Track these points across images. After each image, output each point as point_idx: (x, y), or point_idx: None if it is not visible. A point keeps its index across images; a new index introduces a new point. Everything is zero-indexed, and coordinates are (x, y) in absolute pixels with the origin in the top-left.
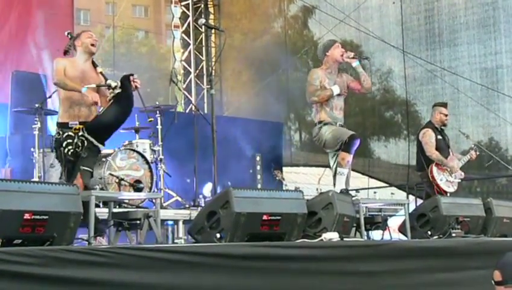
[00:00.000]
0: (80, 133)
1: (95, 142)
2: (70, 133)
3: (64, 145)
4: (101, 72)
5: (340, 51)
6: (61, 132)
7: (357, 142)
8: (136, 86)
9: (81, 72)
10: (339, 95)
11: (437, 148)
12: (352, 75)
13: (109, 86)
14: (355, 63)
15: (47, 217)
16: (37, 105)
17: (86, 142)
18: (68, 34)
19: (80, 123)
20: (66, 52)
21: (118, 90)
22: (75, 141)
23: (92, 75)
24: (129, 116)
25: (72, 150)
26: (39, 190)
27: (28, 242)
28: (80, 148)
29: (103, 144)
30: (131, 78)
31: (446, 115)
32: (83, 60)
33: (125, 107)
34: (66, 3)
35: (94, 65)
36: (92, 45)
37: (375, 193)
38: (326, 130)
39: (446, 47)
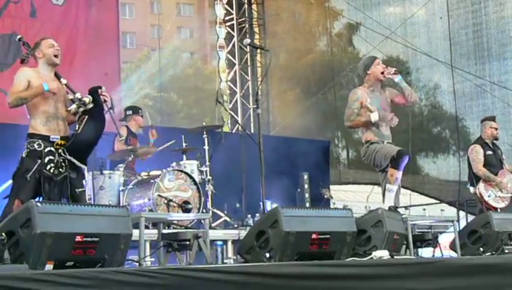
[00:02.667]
0: (60, 151)
1: (78, 164)
2: (52, 149)
3: (46, 161)
4: (66, 84)
5: (381, 67)
6: (42, 144)
7: (406, 159)
8: (104, 100)
9: (49, 83)
10: (383, 111)
11: (486, 164)
12: (396, 89)
13: (84, 104)
14: (397, 78)
15: (98, 239)
16: None
17: (66, 161)
18: (19, 39)
19: (61, 138)
20: (22, 61)
21: (90, 106)
22: (57, 158)
23: (57, 88)
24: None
25: (53, 169)
26: (90, 213)
27: (80, 264)
28: (64, 168)
29: (85, 164)
30: (99, 91)
31: (496, 129)
32: (47, 72)
33: (102, 122)
34: (112, 27)
35: (57, 76)
36: (55, 56)
37: (424, 209)
38: (374, 148)
39: (495, 61)
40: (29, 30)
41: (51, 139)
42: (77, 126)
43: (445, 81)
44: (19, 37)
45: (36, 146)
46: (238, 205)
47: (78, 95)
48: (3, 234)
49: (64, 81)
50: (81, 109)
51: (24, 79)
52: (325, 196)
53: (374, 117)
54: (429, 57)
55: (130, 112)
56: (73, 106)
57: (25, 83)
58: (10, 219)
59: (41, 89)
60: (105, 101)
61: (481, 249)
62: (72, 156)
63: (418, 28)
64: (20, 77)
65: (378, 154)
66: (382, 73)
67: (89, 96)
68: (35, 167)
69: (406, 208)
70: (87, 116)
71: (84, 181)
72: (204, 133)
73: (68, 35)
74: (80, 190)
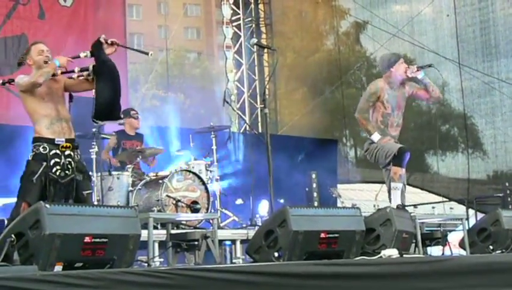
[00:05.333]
0: (67, 153)
1: (80, 167)
2: (57, 152)
3: (52, 163)
4: (62, 72)
5: (404, 67)
6: (47, 147)
7: (407, 156)
8: (112, 42)
9: (46, 87)
10: (397, 110)
11: None
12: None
13: (86, 70)
14: (420, 75)
15: (107, 240)
16: (94, 129)
17: (73, 163)
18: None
19: (66, 141)
20: (19, 64)
21: (90, 68)
22: (63, 161)
23: (56, 85)
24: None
25: (59, 171)
26: (98, 213)
27: (89, 265)
28: (70, 170)
29: (119, 117)
30: (101, 40)
31: None
32: None
33: (112, 74)
34: (119, 28)
35: (53, 76)
36: (45, 62)
37: (433, 207)
38: (376, 146)
39: (503, 58)
40: (38, 32)
41: (56, 142)
42: (93, 92)
43: (453, 78)
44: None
45: (41, 149)
46: (242, 201)
47: (76, 69)
48: (13, 235)
49: (59, 72)
50: (86, 73)
51: (28, 77)
52: (334, 195)
53: (375, 138)
54: (436, 55)
55: (122, 116)
56: (75, 75)
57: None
58: (19, 221)
59: (54, 65)
60: (113, 43)
61: (491, 247)
62: (104, 119)
63: (425, 25)
64: (23, 77)
65: (380, 152)
66: (405, 72)
67: (87, 52)
68: (41, 169)
69: (415, 206)
70: (96, 77)
71: (91, 183)
72: (212, 133)
73: (76, 36)
74: (87, 192)
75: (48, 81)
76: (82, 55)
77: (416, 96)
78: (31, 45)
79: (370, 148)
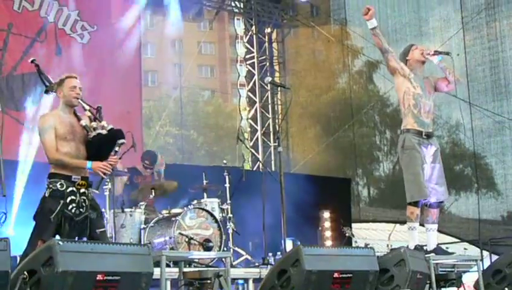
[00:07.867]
0: (82, 190)
1: (94, 204)
2: (73, 189)
3: (68, 201)
4: (84, 127)
5: (419, 50)
6: (64, 184)
7: (424, 199)
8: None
9: (70, 126)
10: (428, 92)
11: None
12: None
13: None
14: (436, 59)
15: (119, 277)
16: None
17: (87, 201)
18: (32, 61)
19: (82, 178)
20: (47, 92)
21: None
22: (78, 198)
23: (78, 129)
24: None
25: (74, 209)
26: (111, 251)
27: None
28: (84, 208)
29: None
30: (120, 143)
31: None
32: (67, 112)
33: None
34: (134, 65)
35: (77, 117)
36: (75, 98)
37: (447, 248)
38: (407, 174)
39: None
40: (55, 68)
41: (72, 179)
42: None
43: (464, 117)
44: (31, 59)
45: (59, 186)
46: (256, 241)
47: (93, 134)
48: (25, 272)
49: (83, 122)
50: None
51: (50, 131)
52: (347, 234)
53: (371, 25)
54: (447, 94)
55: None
56: (82, 122)
57: (53, 136)
58: (32, 258)
59: (85, 165)
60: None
61: (506, 289)
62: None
63: (436, 65)
64: (45, 128)
65: (409, 177)
66: (422, 54)
67: (109, 127)
68: (59, 207)
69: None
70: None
71: (104, 220)
72: (225, 171)
73: (93, 73)
74: (101, 230)
75: (71, 118)
76: (104, 124)
77: (438, 89)
78: (65, 77)
79: (403, 155)
